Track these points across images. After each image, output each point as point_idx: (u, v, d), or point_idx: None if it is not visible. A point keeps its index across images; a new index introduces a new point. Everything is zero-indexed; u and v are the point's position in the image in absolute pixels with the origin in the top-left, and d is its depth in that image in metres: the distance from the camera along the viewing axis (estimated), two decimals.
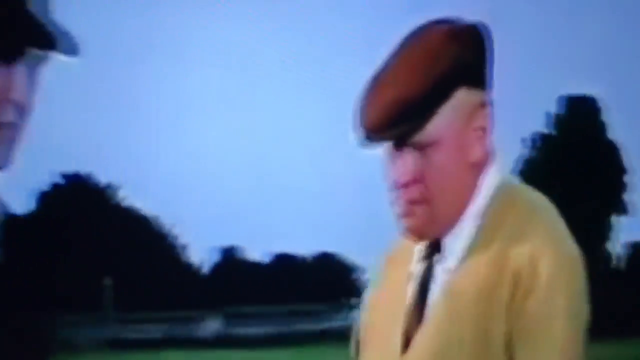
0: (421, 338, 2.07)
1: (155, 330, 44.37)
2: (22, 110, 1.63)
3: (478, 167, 2.08)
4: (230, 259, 59.74)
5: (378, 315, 2.18)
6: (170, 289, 52.37)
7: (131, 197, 59.14)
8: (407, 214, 2.07)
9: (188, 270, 58.84)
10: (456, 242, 2.08)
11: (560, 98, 45.99)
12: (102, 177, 57.52)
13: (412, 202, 2.05)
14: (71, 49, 1.64)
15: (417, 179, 2.04)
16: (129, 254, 52.32)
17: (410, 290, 2.12)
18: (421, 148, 2.03)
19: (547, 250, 2.01)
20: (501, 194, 2.09)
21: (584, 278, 2.06)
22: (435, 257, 2.10)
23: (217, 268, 59.40)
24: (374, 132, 2.03)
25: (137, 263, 52.25)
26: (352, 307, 39.76)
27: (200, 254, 61.30)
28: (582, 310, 2.04)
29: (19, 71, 1.62)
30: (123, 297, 46.92)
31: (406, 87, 2.01)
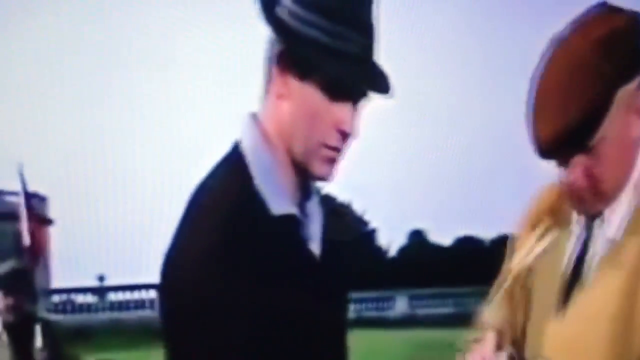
0: (576, 302, 2.05)
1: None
2: (351, 139, 1.84)
3: (638, 141, 2.04)
4: (416, 241, 60.55)
5: (537, 265, 2.17)
6: (361, 271, 53.79)
7: (327, 186, 60.74)
8: (578, 202, 2.07)
9: (378, 253, 59.86)
10: (616, 214, 2.05)
11: None
12: None
13: (582, 191, 2.05)
14: (391, 89, 1.79)
15: (585, 173, 2.03)
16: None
17: (570, 248, 2.12)
18: (588, 150, 2.01)
19: None
20: None
21: None
22: (597, 224, 2.08)
23: (404, 250, 60.35)
24: (546, 153, 2.03)
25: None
26: None
27: (389, 237, 62.82)
28: None
29: (358, 109, 1.81)
30: None
31: (569, 112, 1.97)
